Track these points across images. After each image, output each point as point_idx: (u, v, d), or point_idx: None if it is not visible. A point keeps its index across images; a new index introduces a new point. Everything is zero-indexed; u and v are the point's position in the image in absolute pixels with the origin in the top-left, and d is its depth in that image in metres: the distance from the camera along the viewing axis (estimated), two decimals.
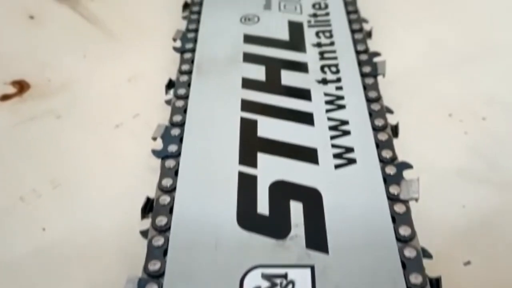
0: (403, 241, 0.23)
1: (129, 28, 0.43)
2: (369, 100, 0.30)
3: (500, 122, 0.36)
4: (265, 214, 0.24)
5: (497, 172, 0.32)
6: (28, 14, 0.45)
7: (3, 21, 0.44)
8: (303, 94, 0.31)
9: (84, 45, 0.42)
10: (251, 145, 0.28)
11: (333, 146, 0.27)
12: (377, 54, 0.33)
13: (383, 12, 0.43)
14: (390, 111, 0.30)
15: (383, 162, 0.26)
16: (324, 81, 0.31)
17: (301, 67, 0.33)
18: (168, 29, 0.40)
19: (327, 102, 0.30)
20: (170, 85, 0.33)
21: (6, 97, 0.37)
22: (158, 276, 0.22)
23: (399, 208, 0.24)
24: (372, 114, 0.29)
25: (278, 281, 0.21)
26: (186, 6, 0.40)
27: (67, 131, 0.35)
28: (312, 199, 0.25)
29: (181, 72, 0.33)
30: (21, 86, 0.38)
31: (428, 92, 0.38)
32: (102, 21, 0.44)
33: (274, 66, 0.33)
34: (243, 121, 0.29)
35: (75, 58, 0.40)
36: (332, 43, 0.34)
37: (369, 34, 0.36)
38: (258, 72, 0.32)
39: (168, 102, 0.32)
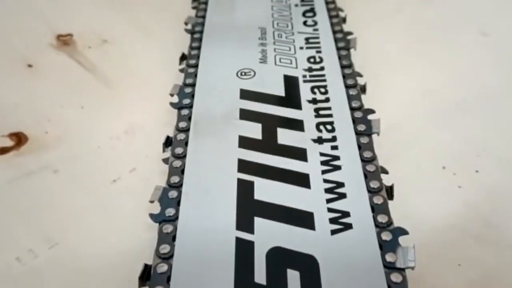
0: None
1: (126, 77, 0.44)
2: (364, 161, 0.30)
3: (493, 175, 0.36)
4: (262, 284, 0.24)
5: (492, 229, 0.33)
6: (27, 62, 0.45)
7: (1, 70, 0.45)
8: (299, 154, 0.31)
9: (81, 95, 0.42)
10: (248, 209, 0.28)
11: (329, 210, 0.28)
12: (371, 111, 0.34)
13: (376, 61, 0.44)
14: (385, 172, 0.31)
15: (379, 227, 0.27)
16: (320, 140, 0.32)
17: (297, 125, 0.33)
18: (165, 80, 0.41)
19: (323, 163, 0.30)
20: (168, 143, 0.33)
21: (3, 151, 0.37)
22: None
23: (396, 277, 0.24)
24: (367, 176, 0.29)
25: None
26: (183, 58, 0.40)
27: (64, 187, 0.35)
28: (309, 268, 0.25)
29: (178, 129, 0.33)
30: (19, 139, 0.38)
31: (421, 143, 0.38)
32: (99, 69, 0.45)
33: (270, 124, 0.33)
34: (240, 182, 0.29)
35: (73, 109, 0.40)
36: (327, 99, 0.35)
37: (363, 89, 0.37)
38: (255, 130, 0.33)
39: (165, 160, 0.32)
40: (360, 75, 0.38)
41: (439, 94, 0.43)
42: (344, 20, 0.44)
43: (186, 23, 0.44)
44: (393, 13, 0.51)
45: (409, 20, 0.50)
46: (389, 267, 0.25)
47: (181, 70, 0.39)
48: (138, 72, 0.44)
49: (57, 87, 0.43)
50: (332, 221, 0.27)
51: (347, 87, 0.36)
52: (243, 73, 0.37)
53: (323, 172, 0.30)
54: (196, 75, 0.38)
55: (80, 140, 0.38)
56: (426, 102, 0.42)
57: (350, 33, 0.41)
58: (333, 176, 0.29)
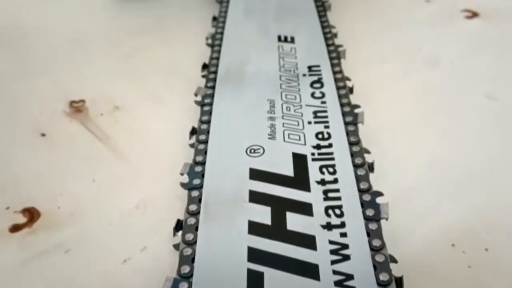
0: None
1: (137, 147, 0.44)
2: (373, 249, 0.31)
3: (502, 253, 0.36)
4: None
5: None
6: (40, 131, 0.46)
7: (15, 139, 0.46)
8: (309, 241, 0.31)
9: (93, 166, 0.43)
10: None
11: None
12: (379, 193, 0.34)
13: (381, 129, 0.45)
14: (395, 261, 0.31)
15: None
16: (329, 226, 0.32)
17: (305, 209, 0.33)
18: (177, 150, 0.42)
19: (332, 252, 0.30)
20: (178, 227, 0.33)
21: (16, 228, 0.38)
22: None
23: None
24: (376, 267, 0.30)
25: None
26: (193, 132, 0.41)
27: (75, 268, 0.35)
28: None
29: (188, 212, 0.34)
30: (32, 215, 0.39)
31: (429, 219, 0.38)
32: (111, 139, 0.45)
33: (279, 208, 0.33)
34: (250, 273, 0.30)
35: (85, 183, 0.41)
36: (335, 180, 0.35)
37: (371, 168, 0.37)
38: (264, 214, 0.33)
39: (176, 246, 0.32)
40: (368, 152, 0.38)
41: (445, 164, 0.43)
42: (351, 90, 0.44)
43: (196, 94, 0.45)
44: (398, 78, 0.52)
45: (414, 85, 0.51)
46: None
47: (191, 145, 0.40)
48: (149, 142, 0.45)
49: (69, 158, 0.44)
50: None
51: (355, 166, 0.36)
52: (252, 150, 0.38)
53: (332, 262, 0.30)
54: (206, 152, 0.38)
55: (92, 217, 0.39)
56: (432, 173, 0.42)
57: (357, 106, 0.42)
58: (342, 267, 0.30)
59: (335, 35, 0.52)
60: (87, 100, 0.50)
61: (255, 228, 0.32)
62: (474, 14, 0.63)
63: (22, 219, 0.38)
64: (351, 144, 0.38)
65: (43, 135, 0.46)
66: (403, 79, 0.52)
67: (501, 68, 0.53)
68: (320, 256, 0.30)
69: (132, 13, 0.64)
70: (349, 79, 0.46)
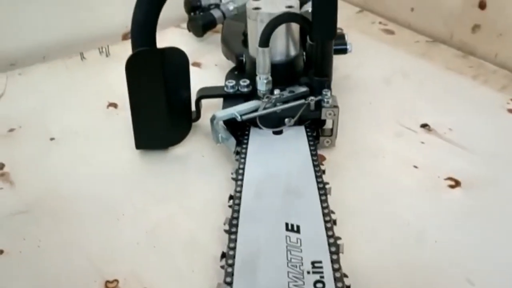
0: None
1: None
2: None
3: None
4: None
5: None
6: None
7: None
8: None
9: None
10: None
11: None
12: None
13: None
14: None
15: None
16: None
17: None
18: None
19: None
20: None
21: None
22: None
23: None
24: None
25: None
26: None
27: None
28: None
29: None
30: None
31: None
32: None
33: None
34: None
35: None
36: None
37: None
38: None
39: None
40: None
41: None
42: None
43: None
44: (387, 257, 0.60)
45: (401, 263, 0.58)
46: None
47: None
48: None
49: None
50: None
51: None
52: None
53: None
54: None
55: None
56: None
57: None
58: None
59: (334, 223, 0.60)
60: (120, 280, 0.57)
61: None
62: (457, 183, 0.72)
63: None
64: None
65: None
66: (391, 257, 0.60)
67: (482, 249, 0.61)
68: None
69: (157, 176, 0.73)
70: (346, 276, 0.54)
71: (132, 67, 0.69)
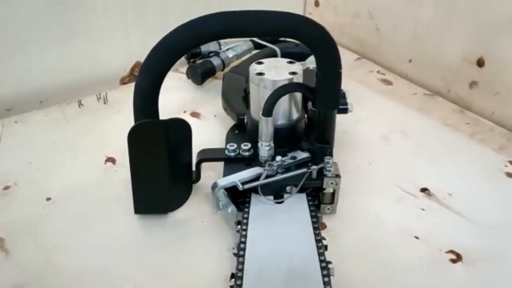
0: None
1: None
2: None
3: None
4: None
5: None
6: None
7: None
8: None
9: None
10: None
11: None
12: None
13: None
14: None
15: None
16: None
17: None
18: None
19: None
20: None
21: None
22: None
23: None
24: None
25: None
26: None
27: None
28: None
29: None
30: None
31: None
32: None
33: None
34: None
35: None
36: None
37: None
38: None
39: None
40: None
41: None
42: None
43: None
44: None
45: None
46: None
47: None
48: None
49: None
50: None
51: None
52: None
53: None
54: None
55: None
56: None
57: None
58: None
59: None
60: None
61: None
62: (458, 257, 0.72)
63: None
64: None
65: None
66: None
67: None
68: None
69: (156, 248, 0.72)
70: None
71: (135, 137, 0.69)
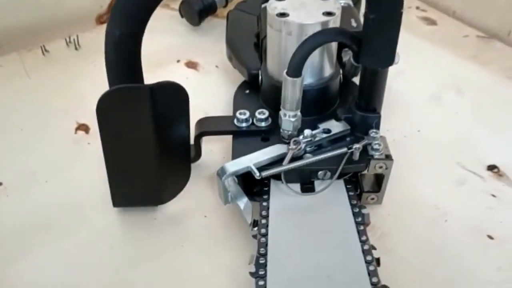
0: None
1: None
2: None
3: None
4: None
5: None
6: None
7: None
8: None
9: None
10: None
11: None
12: None
13: None
14: None
15: None
16: None
17: None
18: None
19: None
20: None
21: None
22: None
23: None
24: None
25: None
26: None
27: None
28: None
29: None
30: None
31: None
32: None
33: None
34: None
35: None
36: None
37: None
38: None
39: None
40: None
41: None
42: None
43: None
44: None
45: None
46: None
47: None
48: None
49: None
50: None
51: None
52: None
53: None
54: None
55: None
56: None
57: None
58: None
59: None
60: None
61: None
62: None
63: None
64: None
65: None
66: None
67: None
68: None
69: (141, 258, 0.53)
70: None
71: (107, 109, 0.48)
